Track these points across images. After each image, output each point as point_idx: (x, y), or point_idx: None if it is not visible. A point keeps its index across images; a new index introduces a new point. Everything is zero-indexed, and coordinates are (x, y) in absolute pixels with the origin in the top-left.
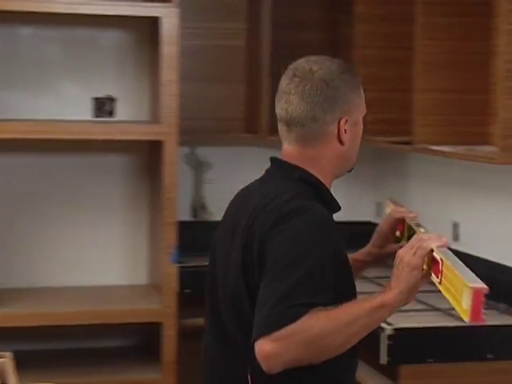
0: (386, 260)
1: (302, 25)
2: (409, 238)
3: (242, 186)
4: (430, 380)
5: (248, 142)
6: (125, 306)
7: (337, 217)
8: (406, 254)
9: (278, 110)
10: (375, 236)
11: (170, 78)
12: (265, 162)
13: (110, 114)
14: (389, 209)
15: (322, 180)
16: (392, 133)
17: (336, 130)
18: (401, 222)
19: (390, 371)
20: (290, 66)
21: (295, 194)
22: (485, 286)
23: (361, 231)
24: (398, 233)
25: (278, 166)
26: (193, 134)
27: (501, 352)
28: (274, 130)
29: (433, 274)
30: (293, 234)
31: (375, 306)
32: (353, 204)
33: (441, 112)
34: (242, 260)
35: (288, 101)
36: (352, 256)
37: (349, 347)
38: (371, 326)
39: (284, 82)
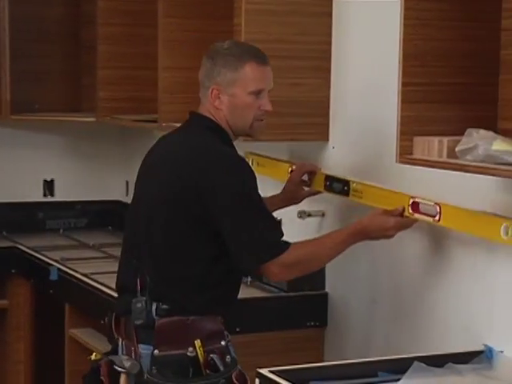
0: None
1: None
2: (326, 185)
3: None
4: None
5: None
6: None
7: (85, 196)
8: (380, 233)
9: None
10: (288, 184)
11: None
12: (9, 142)
13: None
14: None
15: (224, 128)
16: (138, 111)
17: (211, 96)
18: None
19: None
20: None
21: (209, 140)
22: None
23: (110, 210)
24: (305, 177)
25: (193, 117)
26: None
27: (247, 325)
28: (16, 109)
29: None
30: (237, 178)
31: (347, 245)
32: (101, 183)
33: (186, 90)
34: (162, 192)
35: None
36: (267, 201)
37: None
38: (341, 253)
39: None
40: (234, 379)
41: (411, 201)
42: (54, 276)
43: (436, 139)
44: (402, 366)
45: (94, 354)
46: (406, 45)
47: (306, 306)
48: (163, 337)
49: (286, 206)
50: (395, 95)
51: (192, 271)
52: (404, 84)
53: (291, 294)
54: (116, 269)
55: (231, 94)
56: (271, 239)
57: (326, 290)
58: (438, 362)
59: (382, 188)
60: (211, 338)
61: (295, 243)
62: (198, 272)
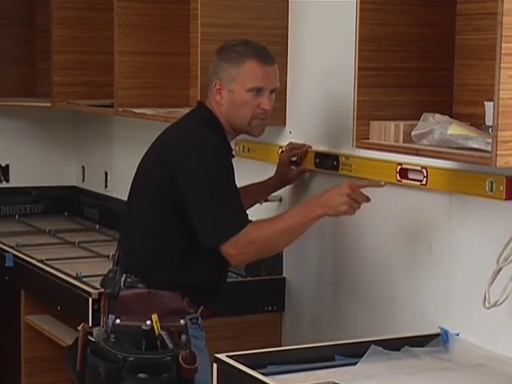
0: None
1: None
2: (316, 162)
3: None
4: None
5: None
6: None
7: (41, 182)
8: (353, 189)
9: None
10: (280, 166)
11: None
12: None
13: None
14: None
15: (221, 121)
16: (94, 96)
17: (214, 90)
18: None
19: None
20: None
21: (196, 126)
22: None
23: (66, 196)
24: (294, 158)
25: (197, 106)
26: None
27: None
28: None
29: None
30: (205, 160)
31: (308, 219)
32: (57, 168)
33: (142, 75)
34: (147, 172)
35: None
36: (263, 184)
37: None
38: (302, 233)
39: None
40: (181, 359)
41: (399, 167)
42: (9, 262)
43: (392, 123)
44: (358, 350)
45: (82, 324)
46: (362, 29)
47: (263, 291)
48: (125, 307)
49: (282, 187)
50: (352, 80)
51: (160, 247)
52: (360, 68)
53: (249, 278)
54: (72, 255)
55: (231, 89)
56: (227, 220)
57: (284, 274)
58: (394, 345)
59: (370, 158)
60: (171, 315)
61: (253, 223)
62: (165, 248)
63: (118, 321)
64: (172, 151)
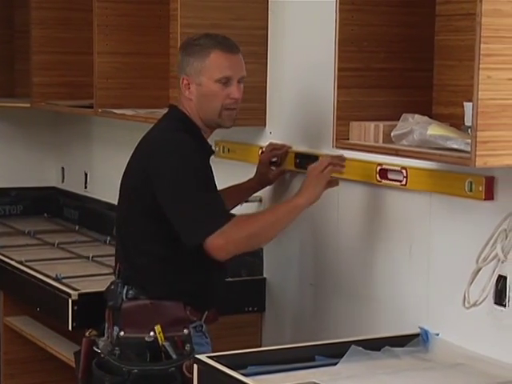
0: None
1: None
2: (296, 163)
3: None
4: None
5: None
6: None
7: (20, 183)
8: (315, 169)
9: None
10: (260, 166)
11: None
12: None
13: None
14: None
15: (192, 118)
16: (73, 96)
17: (182, 86)
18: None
19: (75, 336)
20: None
21: (167, 128)
22: None
23: (46, 197)
24: (274, 159)
25: (169, 109)
26: None
27: None
28: None
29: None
30: (178, 161)
31: (291, 208)
32: (37, 169)
33: (121, 75)
34: (124, 184)
35: None
36: (243, 185)
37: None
38: (288, 223)
39: None
40: (185, 369)
41: (379, 168)
42: None
43: (372, 124)
44: (339, 350)
45: (89, 331)
46: (341, 30)
47: (244, 292)
48: (128, 319)
49: (262, 188)
50: (331, 80)
51: (152, 257)
52: (340, 69)
53: (229, 279)
54: (51, 256)
55: (198, 83)
56: (211, 213)
57: (264, 275)
58: (374, 345)
59: (350, 158)
60: (174, 325)
61: (237, 216)
62: (158, 258)
63: (122, 333)
64: (147, 158)
